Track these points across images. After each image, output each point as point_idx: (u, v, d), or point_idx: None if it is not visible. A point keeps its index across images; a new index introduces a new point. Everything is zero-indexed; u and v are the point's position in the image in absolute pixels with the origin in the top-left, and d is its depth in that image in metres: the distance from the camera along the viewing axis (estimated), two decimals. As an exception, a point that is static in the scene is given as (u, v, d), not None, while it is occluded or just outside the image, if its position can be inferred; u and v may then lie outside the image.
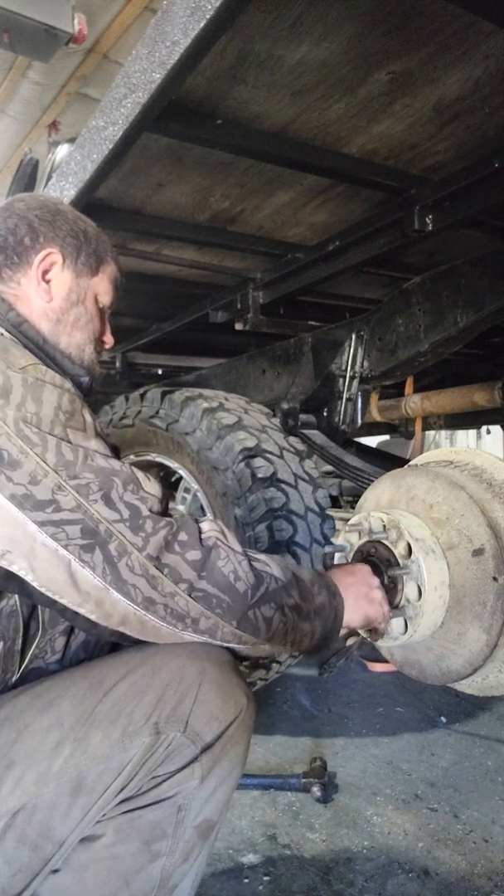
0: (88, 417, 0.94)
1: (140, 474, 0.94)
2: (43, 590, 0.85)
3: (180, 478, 2.31)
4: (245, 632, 0.92)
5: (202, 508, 2.14)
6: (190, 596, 0.88)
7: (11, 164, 6.58)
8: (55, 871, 0.89)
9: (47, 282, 1.13)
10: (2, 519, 0.82)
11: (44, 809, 0.84)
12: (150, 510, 0.90)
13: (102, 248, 1.20)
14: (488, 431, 4.48)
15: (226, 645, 0.93)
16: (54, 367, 1.07)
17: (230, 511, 1.95)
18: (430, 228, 1.66)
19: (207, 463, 2.03)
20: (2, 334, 1.01)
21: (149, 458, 2.35)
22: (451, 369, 3.03)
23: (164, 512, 0.94)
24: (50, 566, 0.84)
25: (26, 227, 1.13)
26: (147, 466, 2.40)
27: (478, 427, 4.04)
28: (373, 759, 2.08)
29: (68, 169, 1.69)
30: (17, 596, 0.93)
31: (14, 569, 0.84)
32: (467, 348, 2.60)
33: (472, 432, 6.64)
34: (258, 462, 1.95)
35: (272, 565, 0.98)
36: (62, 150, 3.62)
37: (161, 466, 2.36)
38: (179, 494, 2.39)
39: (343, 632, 1.07)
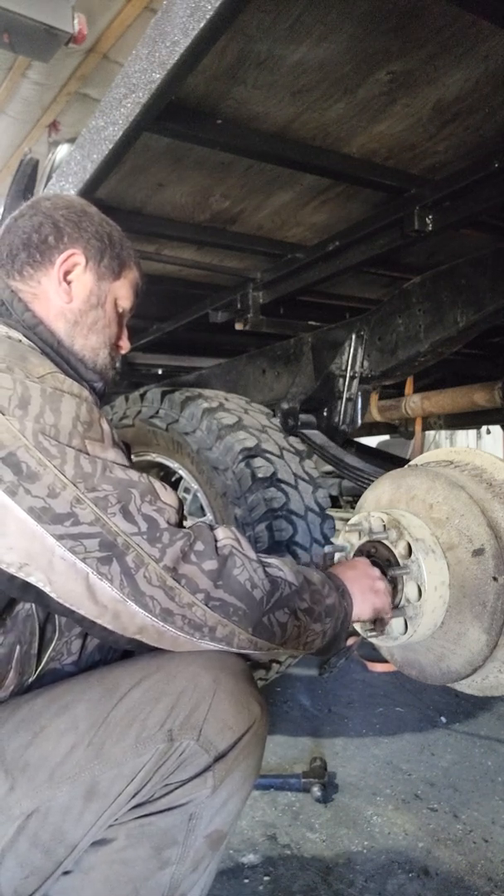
0: (106, 427, 0.94)
1: (157, 484, 0.93)
2: (60, 601, 0.85)
3: (180, 478, 2.31)
4: (261, 638, 0.92)
5: (202, 508, 2.14)
6: (207, 605, 0.88)
7: (11, 164, 6.59)
8: (66, 872, 0.89)
9: (68, 283, 1.12)
10: (20, 532, 0.82)
11: (57, 813, 0.84)
12: (168, 522, 0.90)
13: (126, 252, 1.20)
14: (488, 431, 4.48)
15: (242, 652, 0.93)
16: (69, 370, 1.07)
17: (230, 511, 1.95)
18: (430, 228, 1.66)
19: (207, 463, 2.03)
20: (20, 341, 1.00)
21: (149, 458, 2.35)
22: (451, 369, 3.02)
23: (181, 521, 0.94)
24: (67, 579, 0.84)
25: (51, 226, 1.12)
26: (147, 467, 2.40)
27: (478, 427, 4.04)
28: (373, 759, 2.08)
29: (68, 169, 1.69)
30: None
31: (31, 580, 0.84)
32: (467, 348, 2.60)
33: (472, 432, 6.64)
34: (258, 462, 1.95)
35: (285, 570, 0.98)
36: (62, 150, 3.62)
37: (161, 466, 2.36)
38: (179, 494, 2.39)
39: (353, 625, 1.07)
